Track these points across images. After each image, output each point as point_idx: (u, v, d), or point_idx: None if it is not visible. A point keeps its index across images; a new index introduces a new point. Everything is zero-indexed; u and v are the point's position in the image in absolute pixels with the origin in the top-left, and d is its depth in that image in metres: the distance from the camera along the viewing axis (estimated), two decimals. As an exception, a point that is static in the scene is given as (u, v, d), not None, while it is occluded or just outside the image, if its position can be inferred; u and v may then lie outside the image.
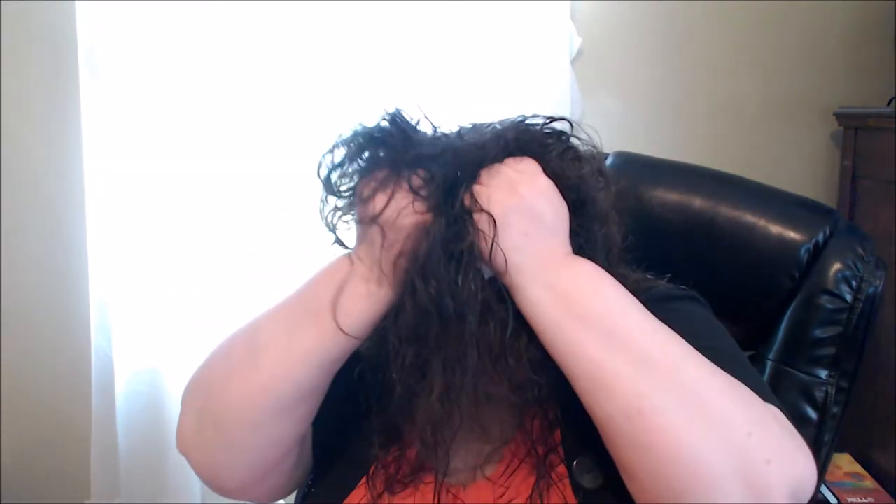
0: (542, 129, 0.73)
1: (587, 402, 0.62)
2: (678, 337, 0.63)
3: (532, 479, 0.72)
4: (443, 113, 0.79)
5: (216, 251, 1.69)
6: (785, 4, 1.74)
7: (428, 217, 0.65)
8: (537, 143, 0.70)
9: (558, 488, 0.71)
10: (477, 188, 0.66)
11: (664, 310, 0.68)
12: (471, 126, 0.76)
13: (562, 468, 0.72)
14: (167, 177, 1.64)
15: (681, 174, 1.11)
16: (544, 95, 1.66)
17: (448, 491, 0.74)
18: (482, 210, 0.65)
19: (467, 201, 0.65)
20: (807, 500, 0.59)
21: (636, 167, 1.13)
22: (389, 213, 0.66)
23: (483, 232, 0.64)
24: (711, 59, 1.78)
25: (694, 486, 0.56)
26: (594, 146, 0.76)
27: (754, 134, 1.80)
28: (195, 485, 1.74)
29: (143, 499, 1.74)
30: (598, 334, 0.62)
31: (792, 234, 0.96)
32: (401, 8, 1.65)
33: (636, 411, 0.58)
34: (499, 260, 0.64)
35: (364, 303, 0.68)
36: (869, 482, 1.54)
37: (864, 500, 1.48)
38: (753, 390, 0.62)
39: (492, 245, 0.64)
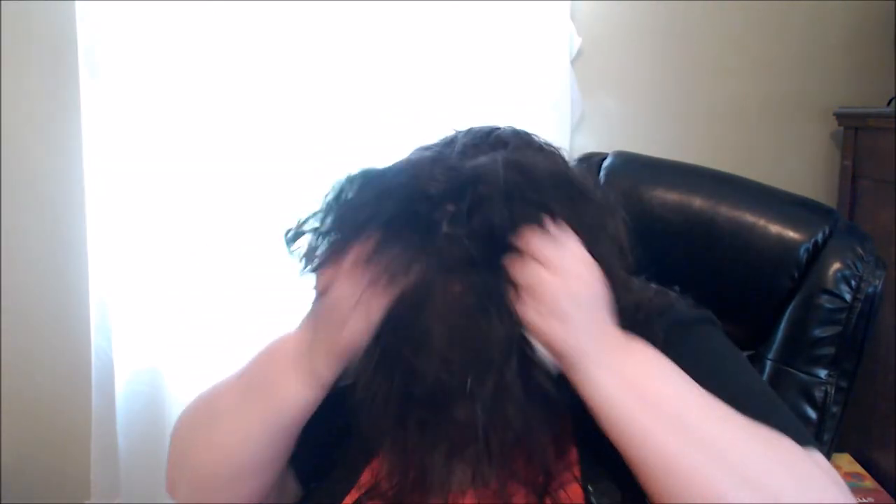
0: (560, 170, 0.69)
1: (655, 489, 0.61)
2: (735, 414, 0.62)
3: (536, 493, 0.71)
4: (443, 113, 0.78)
5: (216, 251, 1.69)
6: (785, 4, 1.74)
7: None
8: (565, 194, 0.65)
9: None
10: (518, 266, 0.62)
11: (689, 338, 0.69)
12: (466, 134, 0.74)
13: (577, 489, 0.71)
14: (167, 177, 1.64)
15: (681, 174, 1.11)
16: (544, 95, 1.66)
17: (446, 499, 0.73)
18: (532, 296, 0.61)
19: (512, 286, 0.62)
20: None
21: (636, 167, 1.13)
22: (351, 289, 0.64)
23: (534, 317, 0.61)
24: (711, 59, 1.78)
25: None
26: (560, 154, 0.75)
27: (754, 134, 1.80)
28: (195, 485, 1.74)
29: (143, 499, 1.74)
30: (663, 421, 0.61)
31: (791, 234, 0.96)
32: (401, 8, 1.65)
33: (710, 495, 0.58)
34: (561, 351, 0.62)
35: (301, 390, 0.69)
36: (869, 482, 1.54)
37: (864, 500, 1.48)
38: (794, 434, 0.63)
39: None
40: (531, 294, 0.61)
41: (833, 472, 0.62)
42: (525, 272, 0.61)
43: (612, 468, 0.68)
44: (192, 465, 0.75)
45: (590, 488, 0.70)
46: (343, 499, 0.77)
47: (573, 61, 1.70)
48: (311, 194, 0.72)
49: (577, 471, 0.71)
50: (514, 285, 0.61)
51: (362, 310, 0.64)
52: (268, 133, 1.68)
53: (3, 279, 1.79)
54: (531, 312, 0.61)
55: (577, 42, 1.70)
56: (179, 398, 1.68)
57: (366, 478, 0.77)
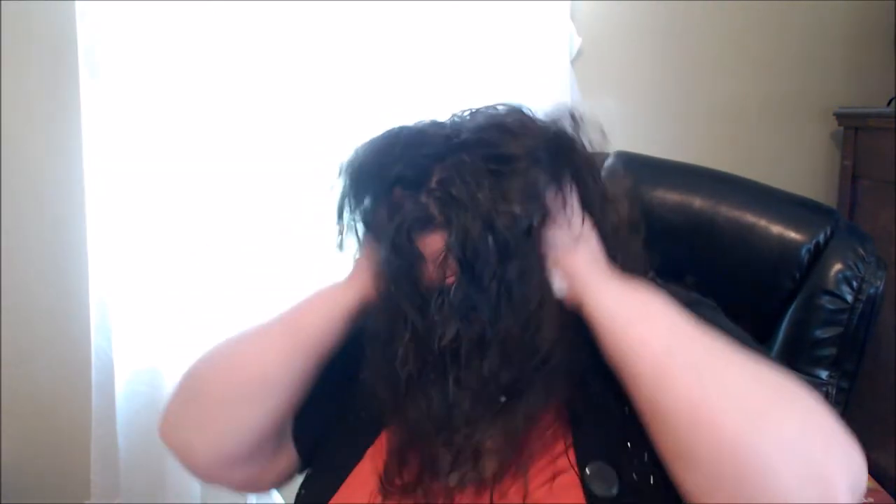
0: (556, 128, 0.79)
1: (648, 397, 0.65)
2: (723, 337, 0.66)
3: (536, 483, 0.72)
4: (442, 113, 0.80)
5: (216, 251, 1.69)
6: (785, 4, 1.74)
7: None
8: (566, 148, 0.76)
9: (566, 495, 0.70)
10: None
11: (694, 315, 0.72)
12: (467, 115, 0.79)
13: (573, 476, 0.71)
14: (167, 177, 1.64)
15: (681, 174, 1.11)
16: (544, 95, 1.66)
17: (445, 493, 0.74)
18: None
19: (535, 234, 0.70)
20: (861, 494, 0.60)
21: (636, 167, 1.13)
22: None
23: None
24: (711, 59, 1.78)
25: (758, 470, 0.57)
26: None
27: (754, 134, 1.80)
28: (195, 485, 1.74)
29: (143, 499, 1.74)
30: (662, 334, 0.66)
31: (792, 235, 0.96)
32: (401, 8, 1.65)
33: (700, 400, 0.61)
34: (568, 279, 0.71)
35: (326, 306, 0.77)
36: (869, 482, 1.54)
37: (864, 500, 1.48)
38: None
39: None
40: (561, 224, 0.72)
41: (839, 420, 0.63)
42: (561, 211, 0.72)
43: (606, 452, 0.70)
44: (205, 380, 0.79)
45: (586, 471, 0.71)
46: (345, 479, 0.78)
47: (573, 61, 1.70)
48: (311, 194, 0.79)
49: (571, 456, 0.72)
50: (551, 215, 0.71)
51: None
52: (268, 133, 1.68)
53: (3, 279, 1.79)
54: (560, 237, 0.72)
55: (577, 42, 1.70)
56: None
57: (368, 460, 0.78)
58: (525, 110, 0.78)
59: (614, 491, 0.69)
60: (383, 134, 0.77)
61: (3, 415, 1.84)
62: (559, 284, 0.72)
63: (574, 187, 0.75)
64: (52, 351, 1.83)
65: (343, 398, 0.82)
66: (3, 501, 1.84)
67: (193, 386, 0.80)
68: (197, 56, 1.62)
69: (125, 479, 1.73)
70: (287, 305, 0.80)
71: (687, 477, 0.62)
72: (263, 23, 1.64)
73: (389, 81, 1.67)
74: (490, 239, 0.67)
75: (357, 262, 0.79)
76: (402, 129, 0.76)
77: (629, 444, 0.72)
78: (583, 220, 0.74)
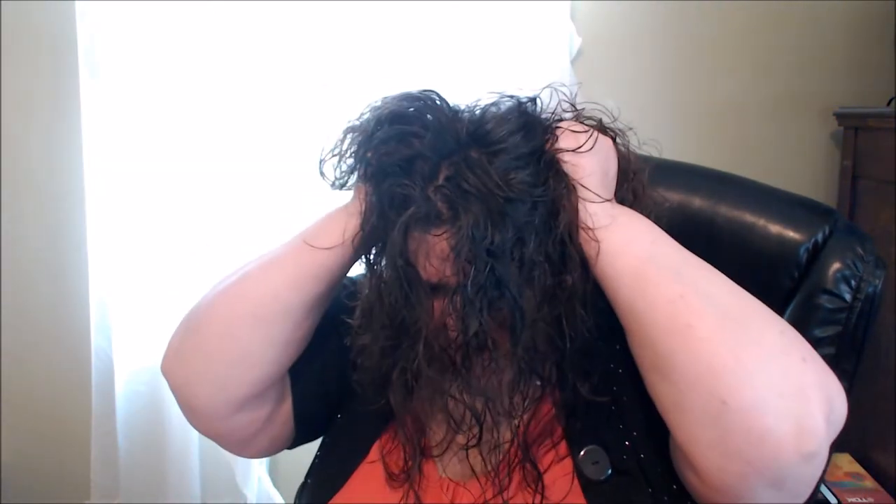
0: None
1: (627, 302, 0.66)
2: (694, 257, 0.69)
3: (535, 475, 0.72)
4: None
5: (216, 251, 1.69)
6: (785, 4, 1.74)
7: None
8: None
9: (562, 482, 0.71)
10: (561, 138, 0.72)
11: None
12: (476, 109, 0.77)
13: (567, 462, 0.72)
14: (167, 177, 1.64)
15: (681, 174, 1.11)
16: (544, 96, 1.66)
17: (447, 486, 0.74)
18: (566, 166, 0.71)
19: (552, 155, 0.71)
20: (839, 425, 0.60)
21: (636, 167, 1.13)
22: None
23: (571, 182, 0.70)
24: (711, 59, 1.78)
25: (732, 371, 0.58)
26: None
27: (754, 134, 1.80)
28: (195, 485, 1.74)
29: (143, 499, 1.74)
30: (645, 245, 0.68)
31: (791, 234, 0.96)
32: (400, 8, 1.65)
33: (679, 297, 0.62)
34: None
35: (336, 226, 0.75)
36: (869, 482, 1.54)
37: (864, 500, 1.48)
38: None
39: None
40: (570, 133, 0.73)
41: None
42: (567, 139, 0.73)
43: (598, 435, 0.72)
44: (208, 310, 0.77)
45: (579, 456, 0.72)
46: (352, 472, 0.78)
47: (573, 61, 1.70)
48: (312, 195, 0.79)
49: (565, 445, 0.73)
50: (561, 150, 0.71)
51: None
52: (268, 133, 1.68)
53: (2, 279, 1.79)
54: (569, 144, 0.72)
55: (577, 42, 1.70)
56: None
57: (374, 455, 0.78)
58: (530, 105, 0.77)
59: (606, 473, 0.70)
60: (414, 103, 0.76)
61: (3, 415, 1.84)
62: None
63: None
64: (52, 351, 1.83)
65: (344, 381, 0.81)
66: (3, 501, 1.85)
67: (198, 314, 0.78)
68: (197, 56, 1.62)
69: (125, 479, 1.73)
70: (294, 231, 0.79)
71: (662, 388, 0.63)
72: (263, 23, 1.64)
73: (389, 81, 1.67)
74: (505, 230, 0.66)
75: (358, 189, 0.77)
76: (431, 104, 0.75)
77: (621, 425, 0.73)
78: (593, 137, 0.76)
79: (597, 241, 0.68)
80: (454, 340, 0.69)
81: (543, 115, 0.77)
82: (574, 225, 0.69)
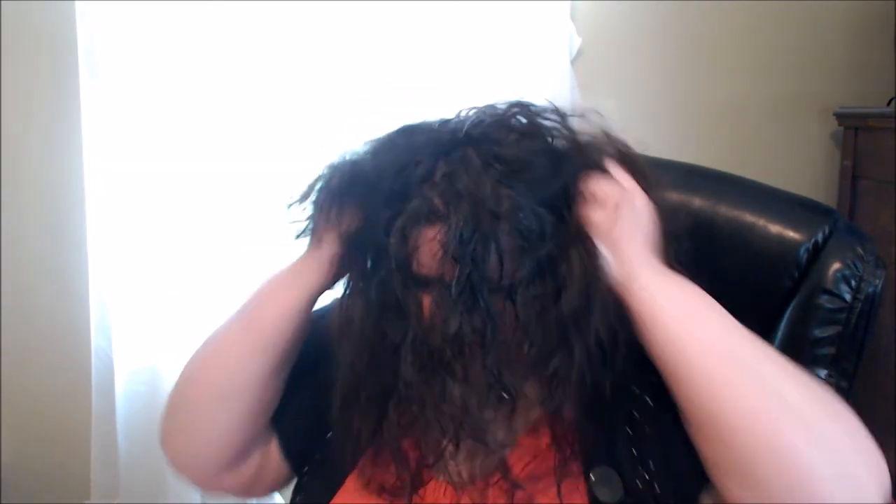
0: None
1: (695, 401, 0.64)
2: (762, 342, 0.67)
3: (543, 486, 0.71)
4: (442, 113, 0.80)
5: (216, 251, 1.69)
6: (785, 4, 1.74)
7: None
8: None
9: (573, 499, 0.70)
10: (591, 185, 0.71)
11: None
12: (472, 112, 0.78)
13: (579, 481, 0.71)
14: (167, 177, 1.64)
15: (681, 174, 1.11)
16: (544, 95, 1.65)
17: (444, 492, 0.74)
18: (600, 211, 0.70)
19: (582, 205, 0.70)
20: (888, 498, 0.61)
21: (636, 167, 1.13)
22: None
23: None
24: (711, 59, 1.78)
25: (806, 482, 0.58)
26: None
27: (754, 134, 1.80)
28: (195, 485, 1.74)
29: (143, 499, 1.74)
30: (713, 334, 0.66)
31: (791, 234, 0.96)
32: (400, 8, 1.65)
33: (761, 410, 0.61)
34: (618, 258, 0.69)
35: (279, 302, 0.79)
36: (869, 482, 1.53)
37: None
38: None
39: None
40: (598, 200, 0.70)
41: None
42: (594, 184, 0.71)
43: (612, 458, 0.70)
44: (178, 387, 0.82)
45: (591, 476, 0.71)
46: (339, 487, 0.78)
47: (573, 61, 1.70)
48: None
49: (577, 460, 0.72)
50: (583, 194, 0.70)
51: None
52: (268, 133, 1.68)
53: (3, 279, 1.79)
54: (598, 214, 0.70)
55: (577, 42, 1.70)
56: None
57: (366, 461, 0.78)
58: (531, 107, 0.78)
59: (618, 497, 0.69)
60: (386, 137, 0.76)
61: (4, 414, 1.84)
62: (606, 262, 0.69)
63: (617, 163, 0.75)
64: (52, 351, 1.83)
65: (326, 403, 0.79)
66: (3, 501, 1.84)
67: (177, 394, 0.83)
68: (197, 56, 1.62)
69: (125, 479, 1.73)
70: (244, 295, 0.82)
71: (735, 488, 0.62)
72: (263, 23, 1.64)
73: (389, 81, 1.67)
74: (496, 235, 0.65)
75: (311, 247, 0.80)
76: (403, 132, 0.75)
77: (635, 450, 0.72)
78: (630, 190, 0.73)
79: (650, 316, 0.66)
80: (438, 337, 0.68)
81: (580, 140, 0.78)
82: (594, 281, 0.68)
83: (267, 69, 1.66)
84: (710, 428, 0.63)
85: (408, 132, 0.74)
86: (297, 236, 0.81)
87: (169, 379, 1.69)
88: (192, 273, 1.67)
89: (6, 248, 1.78)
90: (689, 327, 0.65)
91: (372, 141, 0.76)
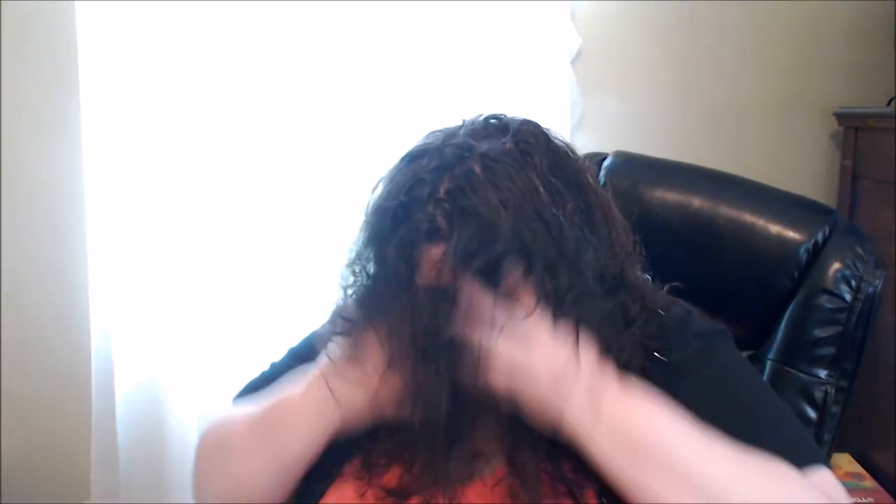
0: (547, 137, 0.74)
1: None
2: (730, 453, 0.64)
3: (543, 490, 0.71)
4: (442, 114, 0.79)
5: (215, 252, 1.69)
6: (785, 4, 1.74)
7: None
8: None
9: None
10: (490, 367, 0.66)
11: (709, 350, 0.74)
12: (475, 124, 0.76)
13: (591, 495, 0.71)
14: (167, 177, 1.64)
15: (681, 174, 1.11)
16: (544, 95, 1.66)
17: (444, 491, 0.74)
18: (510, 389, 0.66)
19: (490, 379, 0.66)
20: None
21: (636, 167, 1.13)
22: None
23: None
24: (711, 59, 1.78)
25: None
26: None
27: (754, 134, 1.80)
28: (195, 485, 1.74)
29: (143, 499, 1.74)
30: (661, 473, 0.63)
31: (791, 234, 0.96)
32: (400, 8, 1.65)
33: None
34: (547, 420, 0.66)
35: (308, 437, 0.74)
36: (869, 482, 1.54)
37: (864, 500, 1.48)
38: (803, 451, 0.67)
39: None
40: (495, 360, 0.65)
41: (834, 488, 0.64)
42: (484, 337, 0.65)
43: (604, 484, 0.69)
44: (211, 491, 0.83)
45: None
46: (333, 482, 0.78)
47: (573, 61, 1.70)
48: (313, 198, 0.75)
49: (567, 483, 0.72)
50: (479, 349, 0.65)
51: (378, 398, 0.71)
52: (270, 135, 1.68)
53: (3, 279, 1.79)
54: (499, 378, 0.66)
55: (577, 42, 1.70)
56: (179, 398, 1.68)
57: (358, 464, 0.78)
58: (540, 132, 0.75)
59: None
60: (393, 167, 0.73)
61: (3, 415, 1.84)
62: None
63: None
64: (52, 351, 1.83)
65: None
66: (3, 501, 1.84)
67: (205, 486, 0.85)
68: (197, 56, 1.62)
69: (125, 479, 1.73)
70: (267, 404, 0.78)
71: None
72: (264, 24, 1.64)
73: (389, 81, 1.67)
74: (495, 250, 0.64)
75: (344, 366, 0.73)
76: (409, 157, 0.72)
77: None
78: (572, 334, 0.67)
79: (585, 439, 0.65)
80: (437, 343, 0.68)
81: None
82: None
83: (268, 70, 1.66)
84: None
85: (413, 156, 0.72)
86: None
87: (169, 379, 1.69)
88: (191, 273, 1.67)
89: (6, 248, 1.78)
90: (626, 471, 0.64)
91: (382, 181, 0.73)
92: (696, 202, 1.04)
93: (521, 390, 0.65)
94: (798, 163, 1.80)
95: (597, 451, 0.65)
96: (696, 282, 0.83)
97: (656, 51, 1.77)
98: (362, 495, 0.75)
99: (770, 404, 0.75)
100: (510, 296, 0.66)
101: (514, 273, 0.66)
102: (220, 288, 1.70)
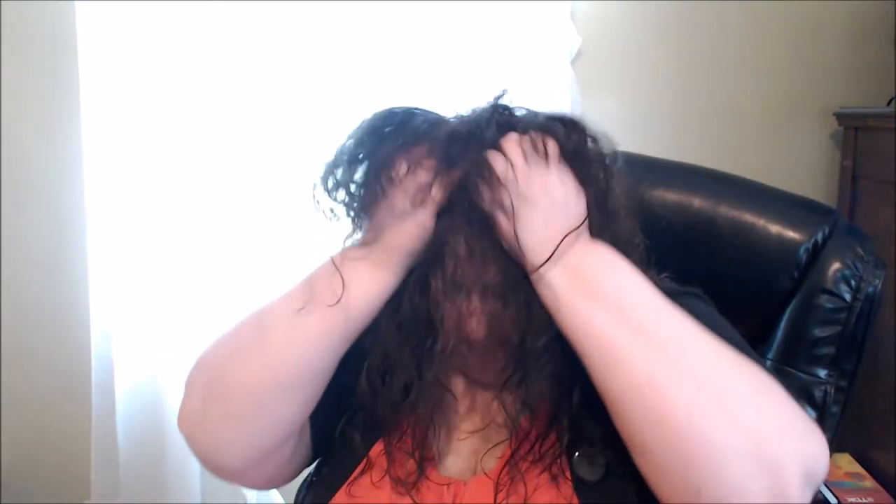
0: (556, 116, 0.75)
1: (599, 379, 0.64)
2: (689, 317, 0.64)
3: (533, 474, 0.72)
4: (442, 114, 0.81)
5: (216, 252, 1.69)
6: (784, 4, 1.74)
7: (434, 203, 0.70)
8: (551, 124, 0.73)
9: (558, 483, 0.71)
10: (495, 176, 0.69)
11: (679, 305, 0.71)
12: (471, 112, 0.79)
13: (563, 463, 0.73)
14: (167, 177, 1.64)
15: (681, 174, 1.11)
16: (544, 95, 1.66)
17: (448, 486, 0.75)
18: (499, 202, 0.68)
19: (486, 194, 0.69)
20: (819, 483, 0.58)
21: (636, 167, 1.12)
22: (402, 202, 0.71)
23: (502, 221, 0.68)
24: (711, 59, 1.78)
25: (706, 459, 0.56)
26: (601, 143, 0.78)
27: (754, 134, 1.80)
28: (195, 485, 1.74)
29: (143, 499, 1.74)
30: (609, 311, 0.64)
31: (791, 234, 0.96)
32: (400, 8, 1.65)
33: (647, 383, 0.60)
34: (522, 248, 0.68)
35: (368, 284, 0.72)
36: (869, 482, 1.54)
37: (864, 500, 1.48)
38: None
39: (515, 232, 0.67)
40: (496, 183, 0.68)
41: (799, 407, 0.62)
42: (497, 163, 0.69)
43: (596, 436, 0.71)
44: (233, 380, 0.73)
45: (574, 456, 0.72)
46: (347, 477, 0.78)
47: (573, 61, 1.70)
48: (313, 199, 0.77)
49: (560, 446, 0.73)
50: (490, 172, 0.69)
51: (414, 217, 0.71)
52: (271, 135, 1.68)
53: (3, 279, 1.79)
54: (487, 197, 0.69)
55: (577, 42, 1.70)
56: (179, 398, 1.68)
57: (373, 458, 0.79)
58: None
59: (601, 474, 0.71)
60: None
61: (3, 415, 1.84)
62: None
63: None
64: (52, 351, 1.83)
65: (353, 388, 0.81)
66: (3, 501, 1.84)
67: (217, 386, 0.75)
68: (197, 56, 1.62)
69: (125, 479, 1.73)
70: (312, 276, 0.76)
71: (639, 462, 0.62)
72: (263, 23, 1.64)
73: (389, 81, 1.67)
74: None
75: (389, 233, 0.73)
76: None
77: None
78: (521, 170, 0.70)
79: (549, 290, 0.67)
80: (472, 338, 0.72)
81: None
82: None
83: (268, 69, 1.66)
84: (605, 400, 0.64)
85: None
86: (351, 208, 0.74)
87: (169, 379, 1.69)
88: (192, 273, 1.67)
89: (6, 248, 1.78)
90: (575, 302, 0.66)
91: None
92: (696, 202, 1.04)
93: (521, 215, 0.67)
94: (798, 163, 1.80)
95: (551, 287, 0.67)
96: (695, 282, 0.83)
97: (656, 51, 1.77)
98: (377, 483, 0.76)
99: (745, 351, 0.76)
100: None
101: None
102: (220, 288, 1.70)
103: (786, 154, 1.80)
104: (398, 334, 0.73)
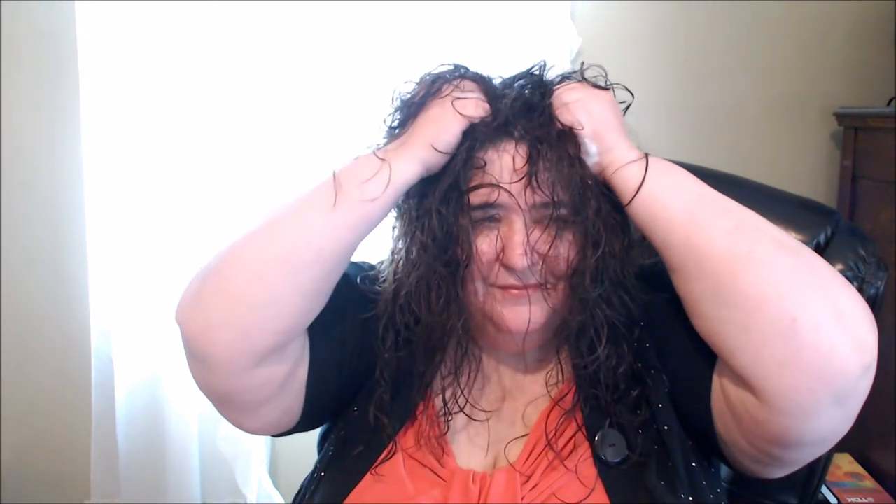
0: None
1: (687, 257, 0.69)
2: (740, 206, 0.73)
3: (556, 463, 0.74)
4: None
5: (216, 250, 1.68)
6: (785, 4, 1.74)
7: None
8: None
9: (580, 469, 0.73)
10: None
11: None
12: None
13: (585, 447, 0.74)
14: (167, 177, 1.64)
15: (681, 174, 1.10)
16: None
17: (473, 479, 0.75)
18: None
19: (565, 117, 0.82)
20: (871, 361, 0.66)
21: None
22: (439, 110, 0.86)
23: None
24: (711, 59, 1.78)
25: (787, 310, 0.62)
26: None
27: (754, 134, 1.80)
28: (195, 485, 1.74)
29: (143, 499, 1.74)
30: (691, 186, 0.74)
31: (793, 235, 0.96)
32: (401, 8, 1.65)
33: (734, 227, 0.68)
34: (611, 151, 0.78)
35: (402, 167, 0.78)
36: (869, 482, 1.54)
37: (864, 500, 1.48)
38: None
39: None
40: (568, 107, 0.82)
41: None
42: (558, 96, 0.85)
43: (617, 417, 0.75)
44: (234, 255, 0.76)
45: (595, 439, 0.74)
46: (368, 470, 0.79)
47: (573, 61, 1.70)
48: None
49: (584, 431, 0.76)
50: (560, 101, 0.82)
51: (452, 116, 0.83)
52: (271, 135, 1.68)
53: (3, 279, 1.79)
54: (566, 111, 0.82)
55: (577, 42, 1.70)
56: (179, 398, 1.68)
57: (394, 450, 0.80)
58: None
59: (623, 456, 0.73)
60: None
61: (3, 415, 1.84)
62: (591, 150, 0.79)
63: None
64: (52, 351, 1.83)
65: (361, 359, 0.82)
66: (3, 501, 1.84)
67: (222, 256, 0.76)
68: (197, 56, 1.62)
69: (125, 479, 1.73)
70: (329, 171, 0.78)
71: (724, 313, 0.66)
72: (263, 23, 1.64)
73: (388, 81, 1.66)
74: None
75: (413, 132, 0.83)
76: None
77: (639, 410, 0.75)
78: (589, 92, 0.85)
79: (636, 180, 0.73)
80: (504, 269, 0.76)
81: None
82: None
83: (269, 70, 1.65)
84: (694, 266, 0.68)
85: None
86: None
87: (169, 379, 1.69)
88: (191, 273, 1.67)
89: (6, 248, 1.78)
90: (669, 197, 0.72)
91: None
92: (697, 203, 1.03)
93: (591, 126, 0.80)
94: (798, 163, 1.80)
95: (637, 175, 0.74)
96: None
97: (656, 51, 1.77)
98: (404, 468, 0.77)
99: None
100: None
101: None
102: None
103: (786, 154, 1.80)
104: (431, 256, 0.76)
